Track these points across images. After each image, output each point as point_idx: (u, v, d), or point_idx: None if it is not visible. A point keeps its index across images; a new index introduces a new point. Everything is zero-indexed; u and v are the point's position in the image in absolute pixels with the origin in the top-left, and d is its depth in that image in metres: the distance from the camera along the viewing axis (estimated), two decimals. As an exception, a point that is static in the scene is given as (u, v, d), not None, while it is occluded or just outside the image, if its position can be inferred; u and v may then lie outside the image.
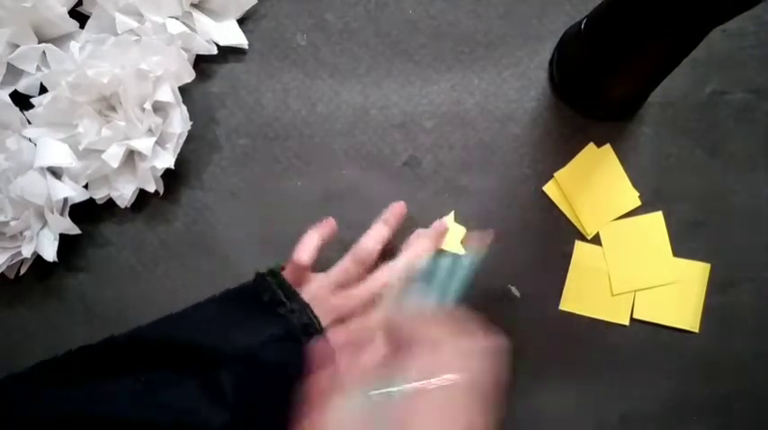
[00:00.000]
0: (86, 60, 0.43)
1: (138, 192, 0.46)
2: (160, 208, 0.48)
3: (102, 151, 0.43)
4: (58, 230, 0.44)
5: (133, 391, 0.35)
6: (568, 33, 0.47)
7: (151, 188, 0.45)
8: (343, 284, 0.40)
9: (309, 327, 0.37)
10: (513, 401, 0.46)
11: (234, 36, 0.47)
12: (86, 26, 0.46)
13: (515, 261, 0.47)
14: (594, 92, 0.46)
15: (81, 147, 0.43)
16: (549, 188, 0.48)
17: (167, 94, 0.43)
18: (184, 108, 0.44)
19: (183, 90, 0.45)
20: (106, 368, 0.37)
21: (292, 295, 0.39)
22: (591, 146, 0.48)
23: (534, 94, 0.48)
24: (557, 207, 0.48)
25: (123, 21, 0.44)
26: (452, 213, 0.45)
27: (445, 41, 0.49)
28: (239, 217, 0.48)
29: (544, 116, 0.48)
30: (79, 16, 0.46)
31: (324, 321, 0.38)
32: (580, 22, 0.44)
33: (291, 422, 0.33)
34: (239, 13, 0.48)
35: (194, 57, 0.47)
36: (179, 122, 0.44)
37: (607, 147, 0.48)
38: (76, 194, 0.45)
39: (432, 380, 0.32)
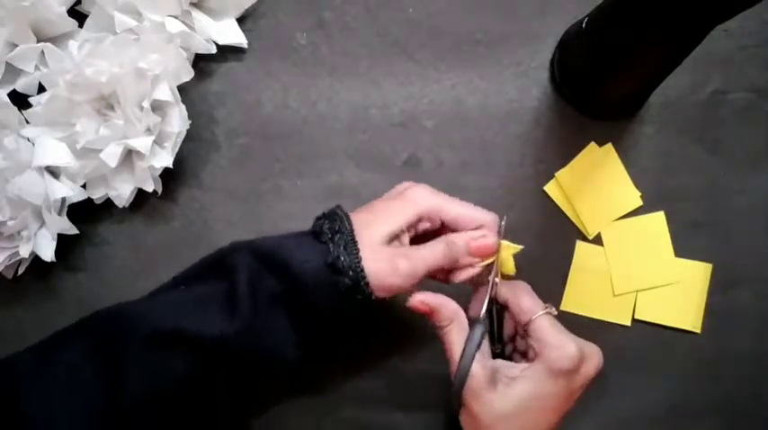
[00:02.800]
0: (85, 59, 0.42)
1: (136, 191, 0.46)
2: (159, 208, 0.48)
3: (101, 150, 0.43)
4: (55, 230, 0.44)
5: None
6: (570, 32, 0.47)
7: (149, 188, 0.45)
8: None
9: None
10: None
11: (233, 35, 0.47)
12: (85, 25, 0.46)
13: (516, 261, 0.47)
14: (596, 91, 0.46)
15: (79, 147, 0.43)
16: (551, 188, 0.47)
17: (166, 92, 0.43)
18: (183, 107, 0.44)
19: (182, 89, 0.45)
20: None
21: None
22: (592, 145, 0.48)
23: (535, 94, 0.48)
24: (558, 207, 0.47)
25: (122, 20, 0.44)
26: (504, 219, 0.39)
27: (446, 40, 0.48)
28: (238, 216, 0.47)
29: (545, 115, 0.48)
30: (78, 15, 0.46)
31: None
32: (581, 21, 0.44)
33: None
34: (238, 12, 0.48)
35: (193, 56, 0.47)
36: (178, 121, 0.44)
37: (608, 146, 0.48)
38: (74, 194, 0.44)
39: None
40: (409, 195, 0.38)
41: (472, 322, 0.37)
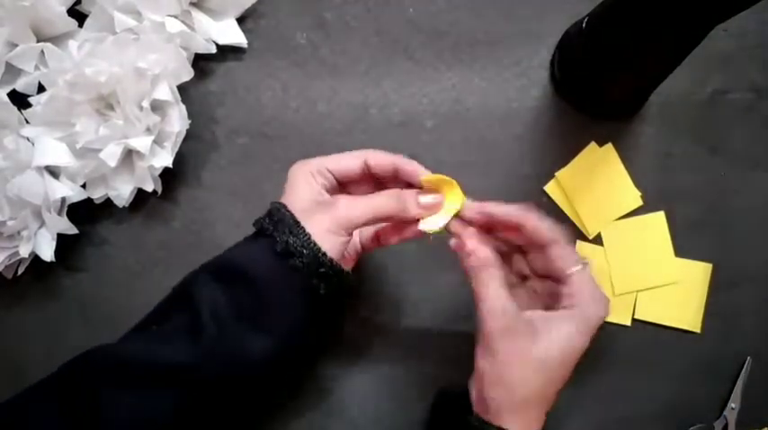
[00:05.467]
0: (85, 59, 0.42)
1: (136, 191, 0.46)
2: (158, 207, 0.48)
3: (100, 150, 0.43)
4: (55, 230, 0.44)
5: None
6: (570, 32, 0.47)
7: (149, 187, 0.45)
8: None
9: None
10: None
11: (233, 35, 0.47)
12: (85, 25, 0.46)
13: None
14: (596, 91, 0.46)
15: (79, 146, 0.43)
16: (551, 188, 0.47)
17: (165, 92, 0.43)
18: (183, 107, 0.44)
19: (182, 89, 0.45)
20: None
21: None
22: (592, 145, 0.48)
23: (535, 94, 0.48)
24: (558, 207, 0.47)
25: (122, 19, 0.44)
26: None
27: (446, 40, 0.48)
28: (238, 216, 0.47)
29: (545, 115, 0.48)
30: (78, 15, 0.46)
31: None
32: (581, 21, 0.44)
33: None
34: (238, 12, 0.48)
35: (193, 55, 0.47)
36: (177, 121, 0.44)
37: (609, 146, 0.48)
38: (74, 194, 0.44)
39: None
40: (300, 166, 0.38)
41: None
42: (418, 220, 0.38)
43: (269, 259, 0.35)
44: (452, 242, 0.37)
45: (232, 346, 0.34)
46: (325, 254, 0.35)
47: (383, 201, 0.37)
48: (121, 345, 0.36)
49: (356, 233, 0.40)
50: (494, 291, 0.35)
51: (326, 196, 0.38)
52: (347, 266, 0.38)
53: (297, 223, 0.35)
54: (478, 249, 0.36)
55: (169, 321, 0.35)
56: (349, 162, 0.38)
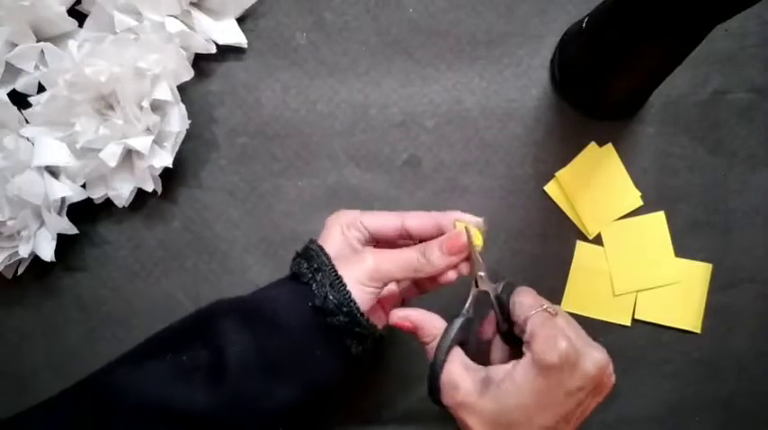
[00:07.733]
0: (84, 59, 0.42)
1: (135, 191, 0.46)
2: (158, 207, 0.48)
3: (100, 150, 0.43)
4: (55, 230, 0.44)
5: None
6: (570, 32, 0.47)
7: (149, 187, 0.45)
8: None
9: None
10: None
11: (233, 35, 0.47)
12: (85, 25, 0.46)
13: (516, 261, 0.47)
14: (596, 91, 0.46)
15: (78, 146, 0.43)
16: (551, 188, 0.47)
17: (165, 92, 0.43)
18: (183, 107, 0.44)
19: (182, 89, 0.45)
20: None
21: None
22: (592, 145, 0.48)
23: (535, 94, 0.48)
24: (558, 207, 0.47)
25: (122, 19, 0.44)
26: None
27: (446, 40, 0.48)
28: (238, 216, 0.47)
29: (545, 115, 0.48)
30: (78, 15, 0.46)
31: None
32: (581, 21, 0.44)
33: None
34: (238, 12, 0.48)
35: (193, 55, 0.47)
36: (177, 121, 0.44)
37: (609, 146, 0.48)
38: (74, 194, 0.44)
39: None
40: (337, 216, 0.39)
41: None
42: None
43: (304, 311, 0.34)
44: (391, 319, 0.37)
45: (254, 396, 0.33)
46: (363, 313, 0.34)
47: (411, 257, 0.36)
48: (136, 378, 0.34)
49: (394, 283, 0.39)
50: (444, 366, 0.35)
51: (359, 247, 0.38)
52: (383, 320, 0.38)
53: (338, 277, 0.34)
54: (426, 324, 0.36)
55: (187, 352, 0.34)
56: (385, 221, 0.38)
